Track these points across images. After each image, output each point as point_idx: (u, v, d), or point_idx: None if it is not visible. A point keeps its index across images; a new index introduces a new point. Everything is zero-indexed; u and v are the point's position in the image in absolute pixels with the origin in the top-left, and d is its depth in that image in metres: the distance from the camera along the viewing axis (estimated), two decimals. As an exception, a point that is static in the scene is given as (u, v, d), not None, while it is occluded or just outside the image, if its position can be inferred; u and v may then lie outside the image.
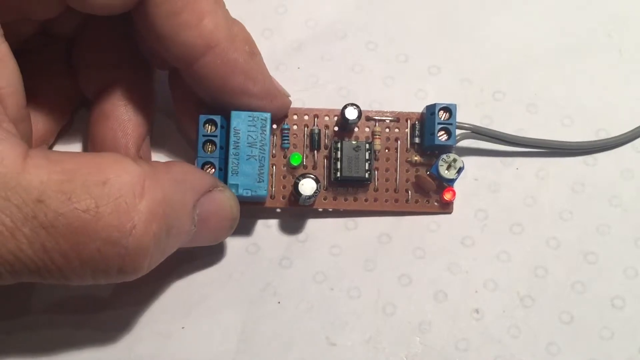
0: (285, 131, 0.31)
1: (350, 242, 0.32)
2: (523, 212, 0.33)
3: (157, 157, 0.33)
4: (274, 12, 0.36)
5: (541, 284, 0.31)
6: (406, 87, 0.35)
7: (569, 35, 0.35)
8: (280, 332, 0.30)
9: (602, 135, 0.34)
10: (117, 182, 0.24)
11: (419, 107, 0.32)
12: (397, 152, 0.32)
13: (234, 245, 0.32)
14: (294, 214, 0.32)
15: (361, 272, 0.32)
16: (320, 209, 0.32)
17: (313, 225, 0.32)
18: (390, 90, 0.35)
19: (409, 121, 0.32)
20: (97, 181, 0.23)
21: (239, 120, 0.29)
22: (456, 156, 0.31)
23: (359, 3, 0.36)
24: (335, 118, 0.32)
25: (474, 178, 0.33)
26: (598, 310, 0.31)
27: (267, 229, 0.32)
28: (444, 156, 0.31)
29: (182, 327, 0.30)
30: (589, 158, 0.34)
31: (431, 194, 0.32)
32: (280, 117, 0.31)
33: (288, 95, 0.31)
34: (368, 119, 0.32)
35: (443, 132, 0.31)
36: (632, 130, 0.34)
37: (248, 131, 0.29)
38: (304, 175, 0.30)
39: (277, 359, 0.30)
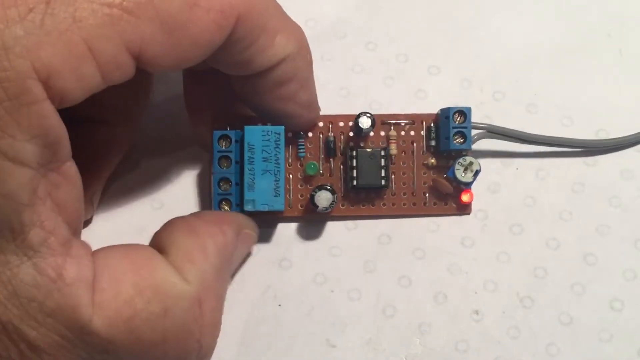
0: (301, 140, 0.31)
1: (350, 243, 0.32)
2: (523, 212, 0.33)
3: (173, 166, 0.33)
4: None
5: (541, 284, 0.31)
6: (406, 87, 0.35)
7: (569, 35, 0.35)
8: (281, 334, 0.30)
9: (602, 136, 0.34)
10: (177, 312, 0.25)
11: (419, 107, 0.32)
12: (413, 155, 0.32)
13: (247, 256, 0.32)
14: (300, 222, 0.32)
15: (361, 273, 0.32)
16: (336, 221, 0.32)
17: (313, 226, 0.32)
18: (390, 91, 0.35)
19: (424, 123, 0.32)
20: (159, 313, 0.25)
21: (253, 135, 0.29)
22: (472, 159, 0.31)
23: (359, 3, 0.36)
24: (351, 123, 0.32)
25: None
26: (597, 312, 0.31)
27: (267, 230, 0.32)
28: (460, 159, 0.31)
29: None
30: (589, 158, 0.34)
31: (448, 196, 0.32)
32: (308, 130, 0.31)
33: (319, 108, 0.31)
34: (383, 122, 0.32)
35: (458, 136, 0.31)
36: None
37: (262, 146, 0.29)
38: (319, 187, 0.30)
39: (278, 360, 0.30)
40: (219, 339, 0.29)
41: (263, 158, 0.29)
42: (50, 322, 0.23)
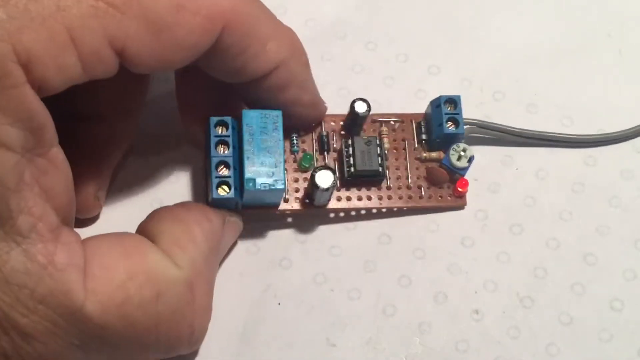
0: (294, 135, 0.31)
1: (350, 243, 0.32)
2: (523, 212, 0.33)
3: (172, 164, 0.33)
4: (274, 13, 0.35)
5: (541, 284, 0.31)
6: (406, 87, 0.35)
7: (569, 35, 0.35)
8: (281, 333, 0.30)
9: (602, 136, 0.34)
10: (169, 296, 0.26)
11: (419, 107, 0.32)
12: (405, 151, 0.32)
13: (234, 245, 0.32)
14: (296, 218, 0.32)
15: (361, 273, 0.32)
16: (332, 215, 0.32)
17: (313, 225, 0.32)
18: (391, 90, 0.35)
19: (413, 121, 0.32)
20: (151, 297, 0.25)
21: (251, 119, 0.29)
22: (466, 145, 0.31)
23: (359, 3, 0.36)
24: (341, 123, 0.32)
25: (474, 178, 0.33)
26: (597, 312, 0.31)
27: (267, 229, 0.32)
28: (454, 146, 0.31)
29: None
30: (589, 158, 0.34)
31: (444, 186, 0.32)
32: (315, 124, 0.32)
33: (325, 103, 0.31)
34: (373, 120, 0.32)
35: (451, 122, 0.31)
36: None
37: (261, 128, 0.29)
38: (320, 168, 0.30)
39: None
40: (218, 337, 0.29)
41: (262, 139, 0.29)
42: (41, 309, 0.23)
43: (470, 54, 0.35)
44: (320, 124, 0.32)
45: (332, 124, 0.32)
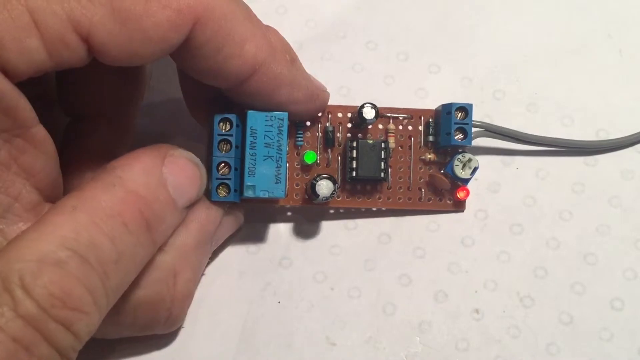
0: (299, 130, 0.31)
1: (351, 242, 0.32)
2: (523, 212, 0.33)
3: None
4: (274, 13, 0.36)
5: (541, 284, 0.31)
6: (406, 86, 0.35)
7: (569, 35, 0.35)
8: (281, 331, 0.30)
9: (602, 136, 0.34)
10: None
11: (419, 106, 0.32)
12: (410, 150, 0.32)
13: (234, 245, 0.32)
14: (296, 213, 0.32)
15: (361, 271, 0.32)
16: (332, 211, 0.32)
17: (313, 225, 0.32)
18: (391, 89, 0.35)
19: (422, 118, 0.32)
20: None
21: (256, 120, 0.28)
22: (471, 156, 0.31)
23: (359, 3, 0.36)
24: (349, 115, 0.31)
25: (474, 178, 0.33)
26: (597, 311, 0.31)
27: (267, 228, 0.32)
28: (459, 156, 0.31)
29: (182, 327, 0.30)
30: (589, 158, 0.34)
31: (444, 192, 0.32)
32: (318, 113, 0.31)
33: (325, 89, 0.30)
34: (382, 115, 0.31)
35: (459, 132, 0.31)
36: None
37: (265, 131, 0.28)
38: (320, 176, 0.30)
39: (277, 358, 0.30)
40: (218, 336, 0.29)
41: (265, 144, 0.28)
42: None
43: (470, 53, 0.35)
44: (326, 116, 0.31)
45: (340, 115, 0.31)
